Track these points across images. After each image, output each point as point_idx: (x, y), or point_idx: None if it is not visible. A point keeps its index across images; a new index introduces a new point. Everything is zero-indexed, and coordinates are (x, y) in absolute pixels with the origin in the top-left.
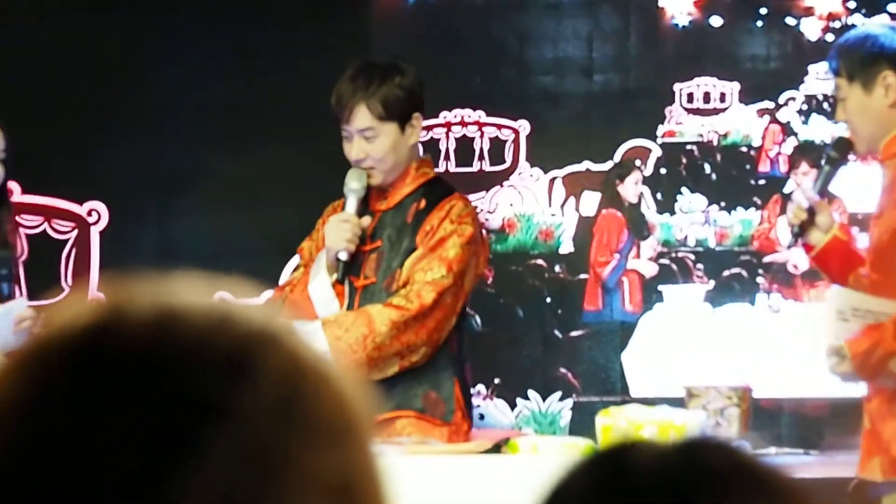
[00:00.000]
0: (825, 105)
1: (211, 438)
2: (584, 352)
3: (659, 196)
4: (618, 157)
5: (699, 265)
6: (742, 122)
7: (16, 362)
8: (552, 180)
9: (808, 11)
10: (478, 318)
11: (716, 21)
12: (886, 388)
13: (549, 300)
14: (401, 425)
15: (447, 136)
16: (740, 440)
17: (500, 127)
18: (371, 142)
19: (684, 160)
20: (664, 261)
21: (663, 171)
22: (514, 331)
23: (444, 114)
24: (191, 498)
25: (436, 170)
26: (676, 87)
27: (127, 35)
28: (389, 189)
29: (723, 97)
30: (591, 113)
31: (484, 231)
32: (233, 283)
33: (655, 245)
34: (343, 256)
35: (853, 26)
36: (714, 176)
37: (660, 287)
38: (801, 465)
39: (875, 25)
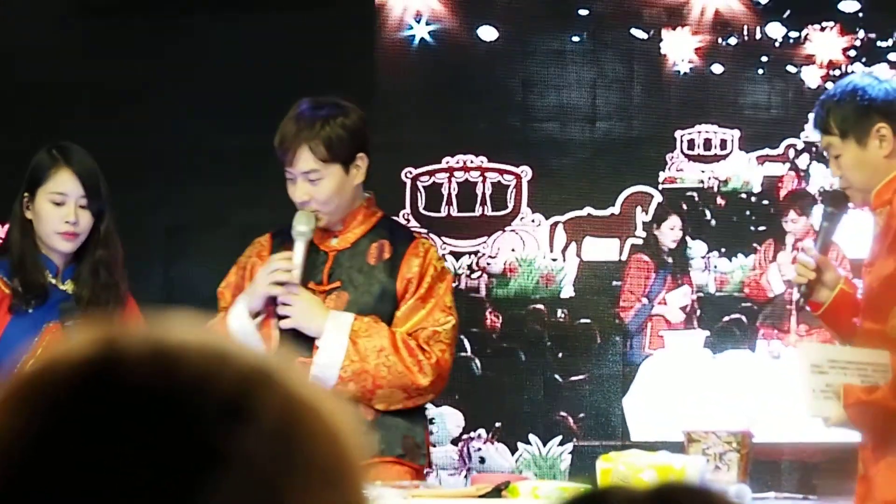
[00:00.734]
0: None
1: (215, 483)
2: (584, 396)
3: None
4: (619, 203)
5: (699, 311)
6: (742, 169)
7: (11, 392)
8: (553, 225)
9: (809, 59)
10: (478, 362)
11: (717, 69)
12: (879, 435)
13: (550, 344)
14: (375, 471)
15: (449, 181)
16: (739, 485)
17: (502, 172)
18: (315, 184)
19: (685, 206)
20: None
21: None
22: (516, 375)
23: (446, 159)
24: None
25: (437, 214)
26: (678, 133)
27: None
28: (340, 229)
29: (723, 144)
30: (594, 159)
31: None
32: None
33: (689, 292)
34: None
35: (853, 73)
36: (714, 222)
37: (661, 333)
38: None
39: (858, 76)
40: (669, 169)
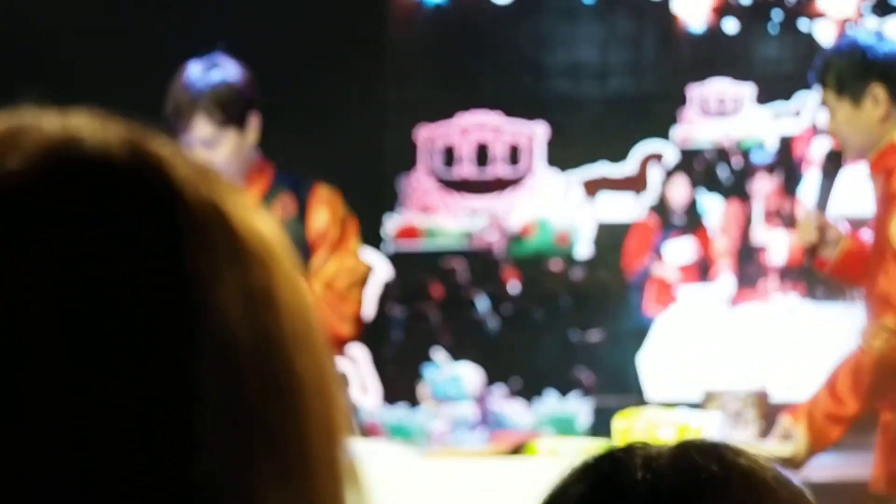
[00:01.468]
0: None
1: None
2: (601, 354)
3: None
4: (632, 159)
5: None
6: (756, 125)
7: None
8: (568, 184)
9: (821, 15)
10: (495, 321)
11: (730, 26)
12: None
13: (565, 303)
14: None
15: (463, 141)
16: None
17: (516, 130)
18: (213, 150)
19: (698, 163)
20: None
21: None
22: (532, 333)
23: (460, 115)
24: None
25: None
26: (690, 90)
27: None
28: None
29: (736, 100)
30: (607, 116)
31: None
32: None
33: (693, 245)
34: None
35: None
36: (732, 178)
37: (673, 289)
38: (818, 466)
39: (864, 33)
40: (682, 125)
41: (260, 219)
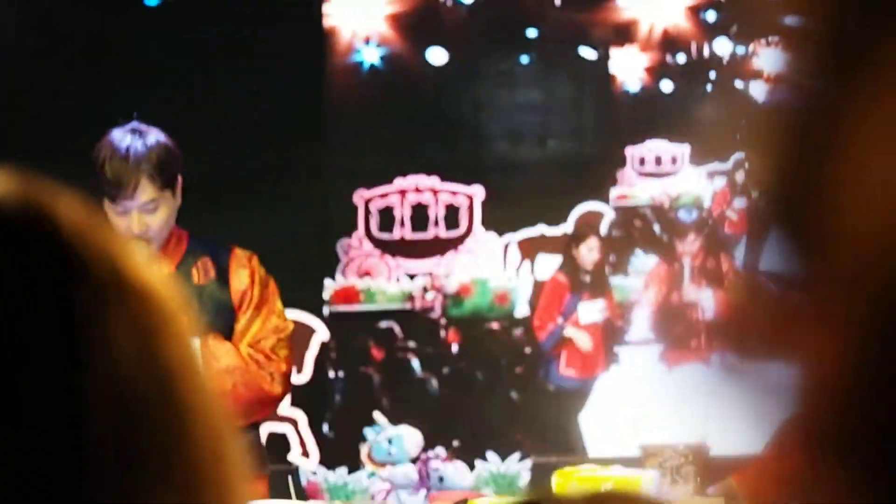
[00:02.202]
0: None
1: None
2: (542, 413)
3: (612, 258)
4: (572, 220)
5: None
6: (693, 184)
7: None
8: (507, 245)
9: (757, 74)
10: (435, 382)
11: (666, 86)
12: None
13: (506, 363)
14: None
15: (402, 203)
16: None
17: (454, 193)
18: (152, 214)
19: (637, 222)
20: (619, 322)
21: (616, 233)
22: (473, 394)
23: (399, 181)
24: None
25: (391, 236)
26: (628, 151)
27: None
28: (160, 255)
29: (674, 160)
30: (546, 178)
31: None
32: None
33: (602, 308)
34: None
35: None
36: (665, 237)
37: (615, 348)
38: None
39: None
40: (621, 186)
41: (144, 264)
